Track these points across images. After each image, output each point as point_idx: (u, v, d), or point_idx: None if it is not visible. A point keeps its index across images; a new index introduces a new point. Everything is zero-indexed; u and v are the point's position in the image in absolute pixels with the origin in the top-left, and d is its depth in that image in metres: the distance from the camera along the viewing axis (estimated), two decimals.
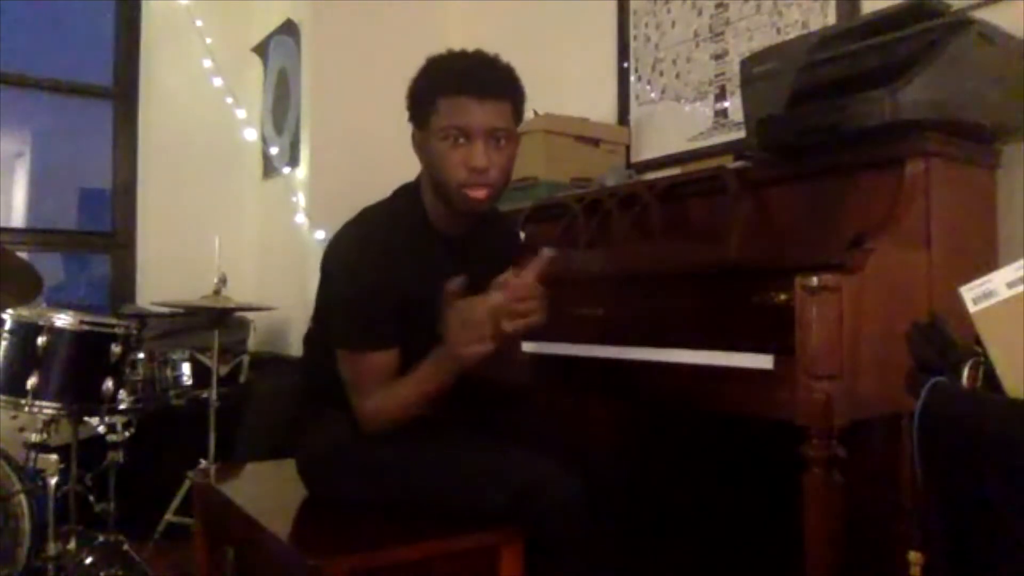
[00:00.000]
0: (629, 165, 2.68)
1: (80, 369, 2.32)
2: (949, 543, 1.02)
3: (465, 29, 3.59)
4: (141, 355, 2.50)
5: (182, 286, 2.75)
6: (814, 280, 1.31)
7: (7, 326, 2.32)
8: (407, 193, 1.55)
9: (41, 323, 2.29)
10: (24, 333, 2.30)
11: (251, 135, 3.70)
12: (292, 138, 3.53)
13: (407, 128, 1.54)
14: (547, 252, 1.35)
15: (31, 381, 2.25)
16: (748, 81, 1.83)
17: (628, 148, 2.70)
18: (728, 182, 1.80)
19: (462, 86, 1.40)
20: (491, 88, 1.42)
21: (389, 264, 1.43)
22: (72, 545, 2.33)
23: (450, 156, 1.41)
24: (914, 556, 1.22)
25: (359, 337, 1.43)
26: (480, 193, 1.43)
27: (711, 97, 2.49)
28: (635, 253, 1.93)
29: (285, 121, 3.60)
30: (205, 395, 2.52)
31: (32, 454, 2.31)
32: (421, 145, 1.49)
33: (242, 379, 3.01)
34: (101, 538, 2.39)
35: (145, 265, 3.65)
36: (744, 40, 2.39)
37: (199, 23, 3.48)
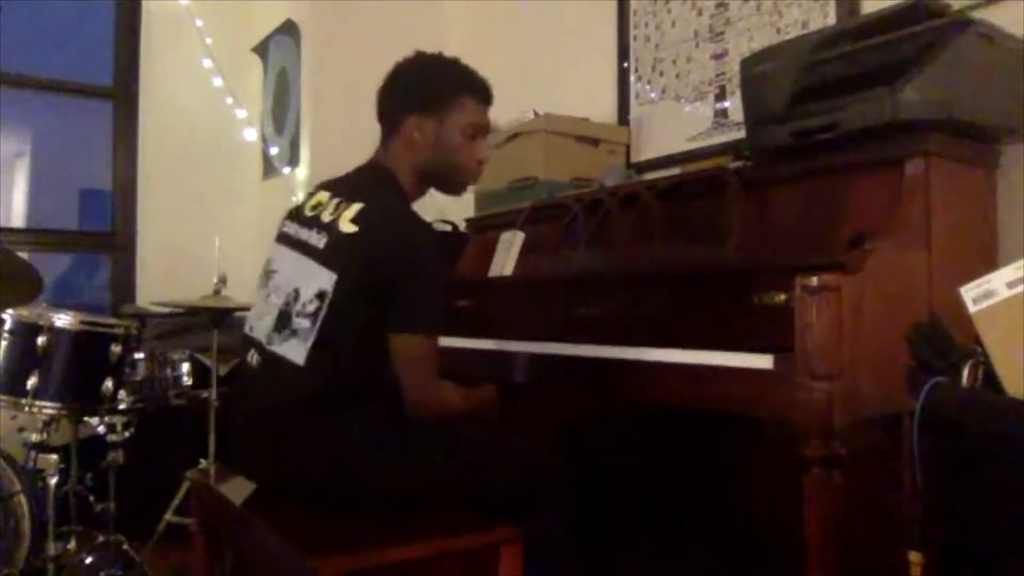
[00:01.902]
0: (629, 165, 2.68)
1: (80, 369, 2.32)
2: (949, 543, 1.02)
3: (465, 29, 3.59)
4: (141, 355, 2.49)
5: (182, 286, 2.75)
6: (814, 280, 1.31)
7: (7, 326, 2.32)
8: (390, 181, 1.63)
9: (41, 323, 2.29)
10: (24, 333, 2.30)
11: (251, 135, 3.70)
12: (292, 138, 3.53)
13: None
14: None
15: (31, 381, 2.25)
16: (748, 81, 1.83)
17: (628, 148, 2.70)
18: (728, 182, 1.80)
19: (486, 94, 1.68)
20: (492, 99, 1.72)
21: None
22: (72, 545, 2.33)
23: (467, 149, 1.65)
24: (914, 556, 1.22)
25: (439, 322, 1.53)
26: (476, 181, 1.77)
27: (711, 97, 2.49)
28: (635, 253, 1.93)
29: (285, 121, 3.61)
30: (205, 395, 2.52)
31: (32, 454, 2.31)
32: (433, 131, 1.62)
33: None
34: (101, 538, 2.38)
35: (145, 265, 3.65)
36: (744, 40, 2.39)
37: (199, 23, 3.48)
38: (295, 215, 1.65)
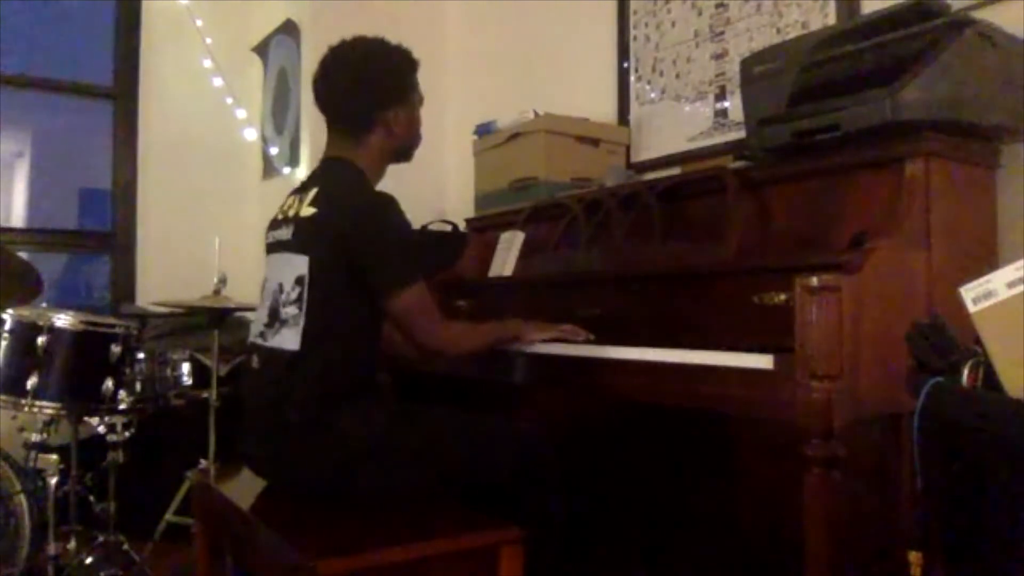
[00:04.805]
0: (629, 165, 2.68)
1: (80, 369, 2.32)
2: (949, 543, 1.02)
3: (465, 29, 3.58)
4: (141, 355, 2.49)
5: (182, 286, 2.75)
6: (814, 280, 1.31)
7: (7, 326, 2.32)
8: (348, 167, 1.68)
9: (41, 323, 2.29)
10: (24, 333, 2.30)
11: (251, 135, 3.70)
12: (292, 138, 3.53)
13: None
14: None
15: (31, 381, 2.25)
16: (748, 81, 1.83)
17: (628, 148, 2.70)
18: (728, 182, 1.80)
19: (417, 64, 1.78)
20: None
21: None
22: (72, 545, 2.33)
23: (419, 119, 1.78)
24: (914, 556, 1.22)
25: (417, 270, 1.59)
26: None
27: (711, 97, 2.49)
28: (635, 253, 1.93)
29: (285, 121, 3.60)
30: (205, 395, 2.51)
31: (32, 454, 2.31)
32: (406, 117, 1.72)
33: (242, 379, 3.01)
34: (101, 538, 2.38)
35: (145, 265, 3.65)
36: (744, 40, 2.39)
37: (199, 23, 3.48)
38: (272, 223, 1.74)
